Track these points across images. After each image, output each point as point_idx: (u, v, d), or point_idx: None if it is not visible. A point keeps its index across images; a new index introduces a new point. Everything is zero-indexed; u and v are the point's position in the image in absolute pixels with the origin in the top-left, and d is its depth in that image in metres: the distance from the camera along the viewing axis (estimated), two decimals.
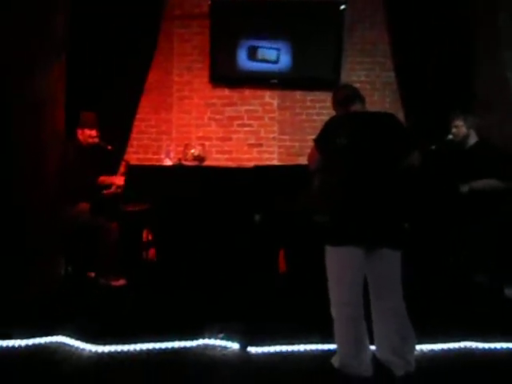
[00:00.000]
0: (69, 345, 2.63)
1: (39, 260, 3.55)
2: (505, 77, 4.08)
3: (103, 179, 3.79)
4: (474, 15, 4.49)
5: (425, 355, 2.52)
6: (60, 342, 2.66)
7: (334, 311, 2.20)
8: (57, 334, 2.70)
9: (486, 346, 2.64)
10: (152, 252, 4.13)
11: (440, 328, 2.72)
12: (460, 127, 3.45)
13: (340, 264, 2.19)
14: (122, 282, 3.62)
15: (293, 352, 2.56)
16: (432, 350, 2.58)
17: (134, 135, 4.86)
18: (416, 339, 2.25)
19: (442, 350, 2.60)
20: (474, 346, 2.63)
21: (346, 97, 2.45)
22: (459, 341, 2.65)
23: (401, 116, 4.70)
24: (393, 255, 2.20)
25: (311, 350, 2.57)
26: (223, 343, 2.64)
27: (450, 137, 3.48)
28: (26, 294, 3.18)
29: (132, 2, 4.53)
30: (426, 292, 3.13)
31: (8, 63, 3.42)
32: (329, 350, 2.48)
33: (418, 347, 2.45)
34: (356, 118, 2.37)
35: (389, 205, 2.21)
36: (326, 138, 2.30)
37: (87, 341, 2.64)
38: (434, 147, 3.49)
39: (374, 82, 5.02)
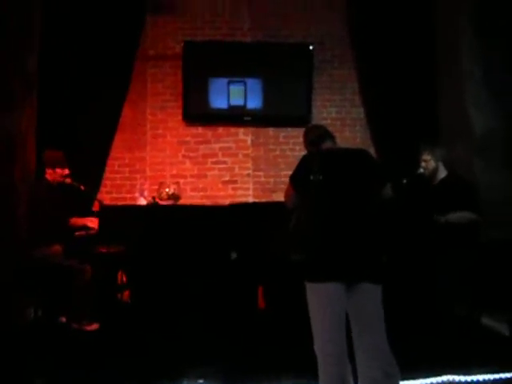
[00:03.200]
0: None
1: (7, 303, 3.41)
2: (466, 111, 4.26)
3: (75, 221, 3.69)
4: (437, 51, 4.72)
5: None
6: None
7: (317, 349, 2.16)
8: None
9: (469, 378, 2.63)
10: (126, 294, 4.01)
11: (422, 362, 2.71)
12: (428, 161, 3.55)
13: (320, 301, 2.16)
14: (95, 326, 3.48)
15: None
16: None
17: (107, 174, 4.80)
18: (399, 375, 2.22)
19: None
20: (456, 380, 2.62)
21: (317, 136, 2.51)
22: (441, 374, 2.64)
23: (372, 151, 4.82)
24: (373, 289, 2.19)
25: None
26: None
27: (421, 170, 3.57)
28: None
29: (106, 42, 4.57)
30: (405, 326, 3.12)
31: None
32: None
33: (401, 383, 2.42)
34: (329, 154, 2.42)
35: (366, 239, 2.22)
36: (300, 175, 2.33)
37: None
38: (405, 181, 3.56)
39: (344, 119, 5.16)
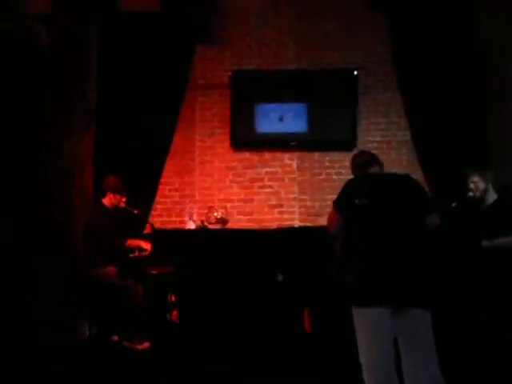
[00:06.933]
0: None
1: (63, 321, 3.59)
2: None
3: (130, 242, 3.88)
4: (486, 71, 4.64)
5: None
6: None
7: (365, 376, 2.13)
8: None
9: None
10: (175, 314, 4.12)
11: None
12: (477, 183, 3.44)
13: (367, 326, 2.14)
14: (146, 345, 3.60)
15: None
16: None
17: (158, 199, 5.00)
18: None
19: None
20: None
21: (364, 161, 2.52)
22: None
23: (419, 174, 4.77)
24: (422, 315, 2.15)
25: None
26: None
27: (471, 194, 3.48)
28: (46, 357, 3.18)
29: (158, 74, 4.84)
30: (456, 353, 3.03)
31: (45, 130, 3.64)
32: None
33: None
34: (375, 178, 2.43)
35: (412, 264, 2.19)
36: (345, 199, 2.33)
37: None
38: (454, 204, 3.49)
39: (390, 142, 5.14)
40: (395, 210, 2.25)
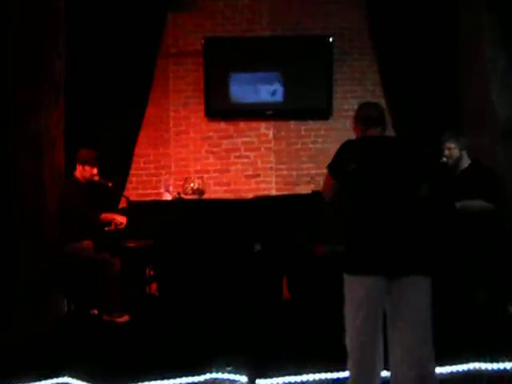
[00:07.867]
0: None
1: (39, 298, 3.55)
2: (490, 98, 4.19)
3: (105, 216, 3.82)
4: (459, 38, 4.64)
5: None
6: None
7: (348, 340, 2.09)
8: (62, 375, 2.67)
9: (495, 366, 2.62)
10: (154, 287, 4.12)
11: (447, 350, 2.70)
12: (452, 149, 3.52)
13: (359, 293, 2.06)
14: (125, 318, 3.60)
15: (302, 383, 2.54)
16: (441, 374, 2.54)
17: (133, 171, 4.91)
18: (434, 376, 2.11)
19: (451, 372, 2.58)
20: (483, 368, 2.62)
21: (369, 117, 2.32)
22: (467, 362, 2.63)
23: None
24: (422, 282, 2.06)
25: (321, 380, 2.55)
26: (231, 377, 2.61)
27: (444, 159, 3.55)
28: (23, 335, 3.15)
29: (128, 42, 4.66)
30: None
31: (12, 106, 3.51)
32: (338, 379, 2.47)
33: None
34: (368, 143, 2.26)
35: (409, 231, 2.09)
36: (337, 163, 2.22)
37: (93, 381, 2.61)
38: None
39: None
40: (386, 175, 2.14)
